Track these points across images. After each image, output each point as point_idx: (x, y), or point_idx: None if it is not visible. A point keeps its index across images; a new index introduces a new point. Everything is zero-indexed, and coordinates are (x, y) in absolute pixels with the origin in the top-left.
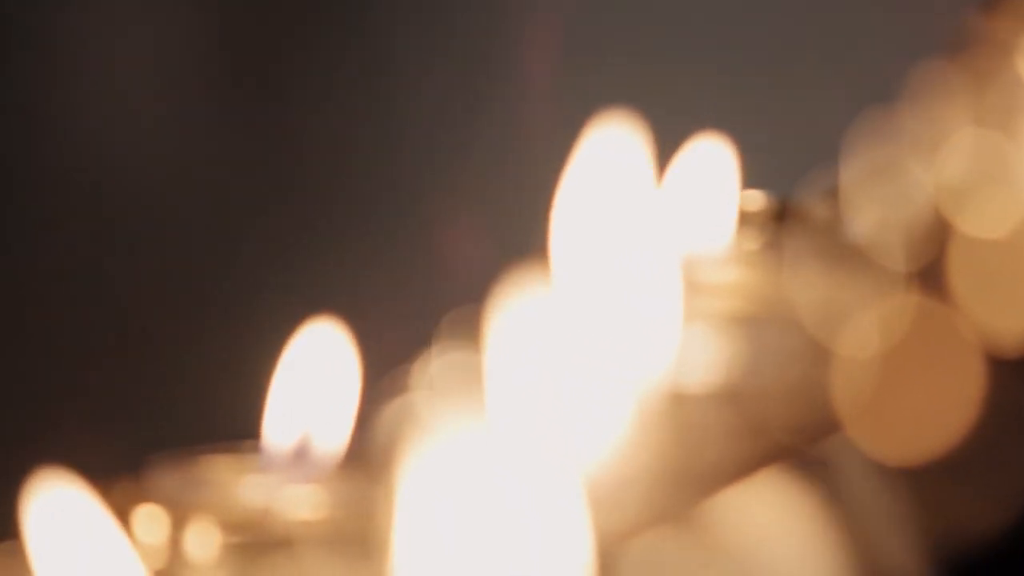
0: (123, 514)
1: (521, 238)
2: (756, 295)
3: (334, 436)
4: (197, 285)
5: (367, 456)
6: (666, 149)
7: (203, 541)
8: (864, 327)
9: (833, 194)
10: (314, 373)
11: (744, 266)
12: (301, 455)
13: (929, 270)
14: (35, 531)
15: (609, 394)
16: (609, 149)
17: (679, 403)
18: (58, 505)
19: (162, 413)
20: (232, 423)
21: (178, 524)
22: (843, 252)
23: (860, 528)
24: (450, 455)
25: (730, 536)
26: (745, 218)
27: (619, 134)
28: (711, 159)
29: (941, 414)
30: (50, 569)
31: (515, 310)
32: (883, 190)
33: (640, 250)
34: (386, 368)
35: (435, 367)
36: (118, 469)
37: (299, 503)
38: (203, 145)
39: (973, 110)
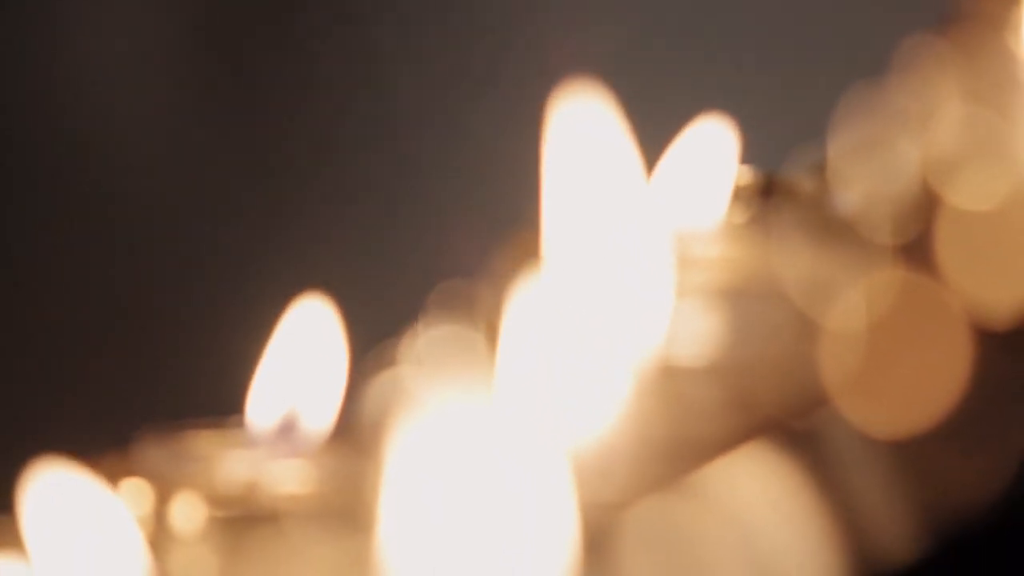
0: (109, 488)
1: (510, 216)
2: (744, 269)
3: (321, 411)
4: (188, 263)
5: (354, 431)
6: (658, 127)
7: (189, 515)
8: (852, 300)
9: (820, 168)
10: (302, 349)
11: (732, 240)
12: (287, 430)
13: (917, 243)
14: (31, 509)
15: (601, 367)
16: (581, 120)
17: (670, 376)
18: (54, 483)
19: (152, 390)
20: (222, 400)
21: (163, 498)
22: (831, 225)
23: (849, 500)
24: (438, 429)
25: (723, 507)
26: (734, 193)
27: (589, 105)
28: (712, 138)
29: (929, 386)
30: (46, 545)
31: (507, 285)
32: (871, 163)
33: (631, 224)
34: (373, 343)
35: (423, 341)
36: (107, 444)
37: (286, 477)
38: (192, 129)
39: (963, 84)
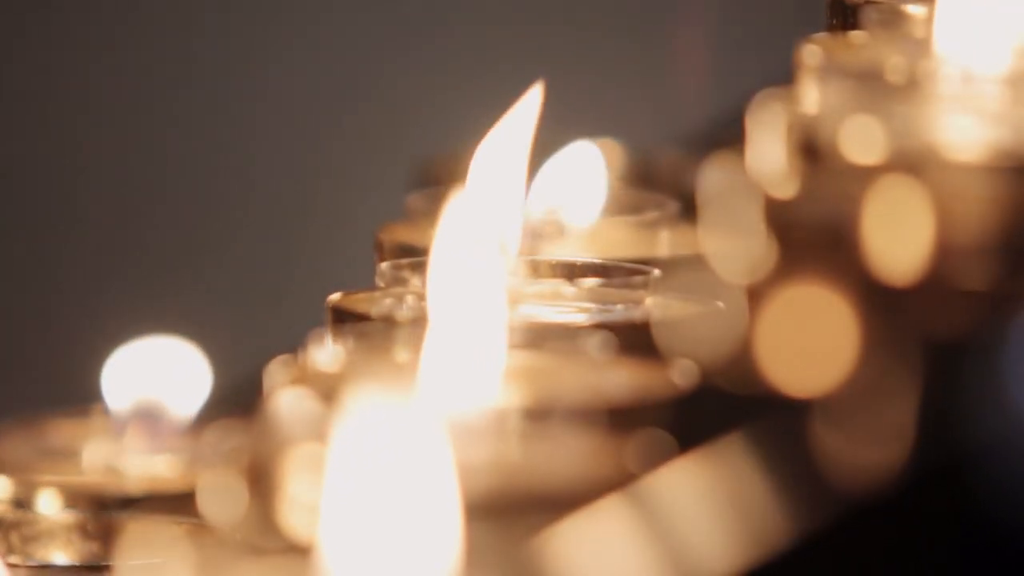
0: None
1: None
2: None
3: (182, 404)
4: (50, 257)
5: (213, 425)
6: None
7: (50, 504)
8: (749, 263)
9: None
10: (165, 346)
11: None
12: (148, 421)
13: (812, 203)
14: None
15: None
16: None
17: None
18: None
19: (11, 382)
20: (82, 391)
21: (26, 488)
22: (728, 190)
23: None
24: (347, 439)
25: (651, 518)
26: (608, 167)
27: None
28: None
29: (829, 346)
30: None
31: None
32: (768, 132)
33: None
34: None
35: (316, 354)
36: None
37: (147, 466)
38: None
39: (845, 65)
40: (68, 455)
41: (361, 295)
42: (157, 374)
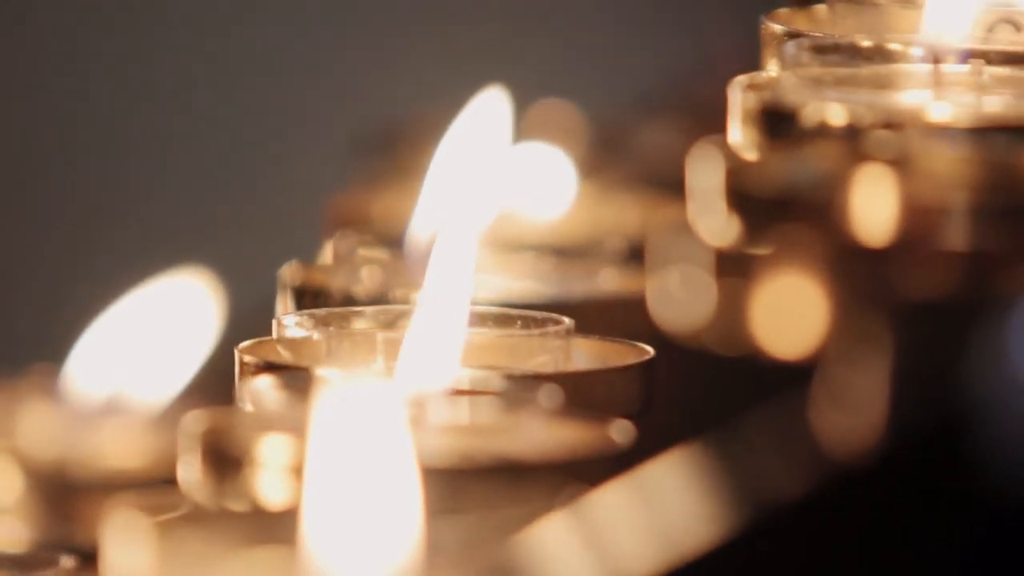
0: None
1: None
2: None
3: (150, 385)
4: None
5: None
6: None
7: (4, 481)
8: (721, 232)
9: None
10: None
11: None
12: (112, 398)
13: (783, 171)
14: None
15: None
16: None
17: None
18: None
19: None
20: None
21: None
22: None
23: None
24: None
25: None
26: (565, 134)
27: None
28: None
29: (807, 312)
30: None
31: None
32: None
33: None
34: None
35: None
36: None
37: (108, 445)
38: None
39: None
40: (23, 429)
41: (316, 267)
42: (120, 349)
